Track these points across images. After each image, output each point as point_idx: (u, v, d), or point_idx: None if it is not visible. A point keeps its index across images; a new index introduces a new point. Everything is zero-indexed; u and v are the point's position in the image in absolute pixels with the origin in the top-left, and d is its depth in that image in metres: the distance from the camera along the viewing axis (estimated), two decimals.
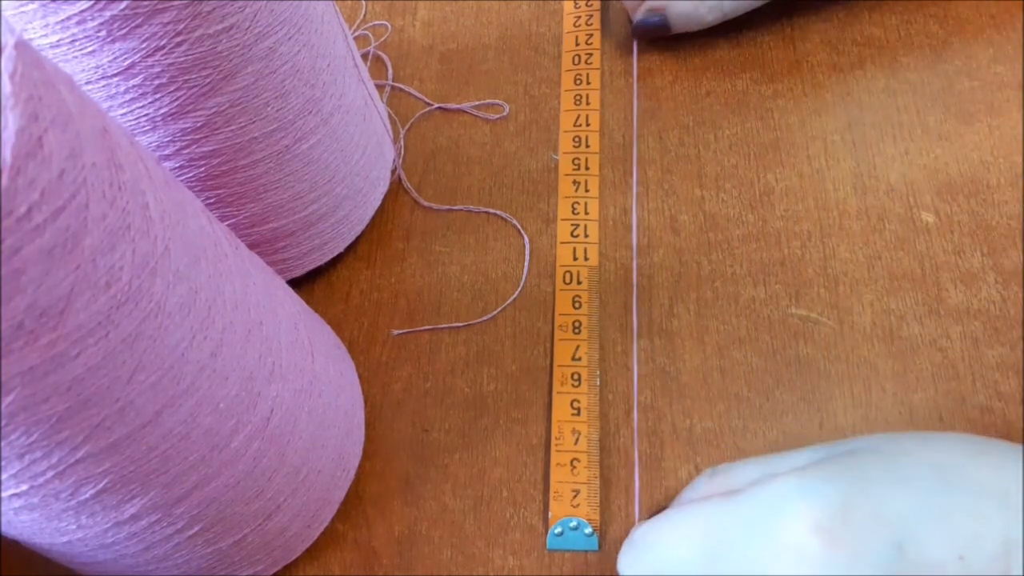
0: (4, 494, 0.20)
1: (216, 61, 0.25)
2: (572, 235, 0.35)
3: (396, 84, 0.41)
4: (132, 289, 0.18)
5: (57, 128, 0.16)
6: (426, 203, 0.37)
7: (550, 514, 0.29)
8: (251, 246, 0.32)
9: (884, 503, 0.22)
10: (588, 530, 0.29)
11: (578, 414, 0.31)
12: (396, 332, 0.34)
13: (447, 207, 0.37)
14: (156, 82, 0.25)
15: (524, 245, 0.36)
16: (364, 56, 0.42)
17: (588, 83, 0.39)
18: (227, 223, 0.31)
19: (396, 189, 0.38)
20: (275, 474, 0.25)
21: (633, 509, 0.29)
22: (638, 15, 0.39)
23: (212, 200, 0.30)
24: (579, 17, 0.42)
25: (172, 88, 0.25)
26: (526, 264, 0.35)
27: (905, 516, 0.21)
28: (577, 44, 0.41)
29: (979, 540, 0.21)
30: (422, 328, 0.34)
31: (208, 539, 0.25)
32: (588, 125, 0.38)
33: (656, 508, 0.29)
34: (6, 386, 0.17)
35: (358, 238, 0.36)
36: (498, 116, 0.39)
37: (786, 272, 0.33)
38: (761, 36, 0.39)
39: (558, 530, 0.29)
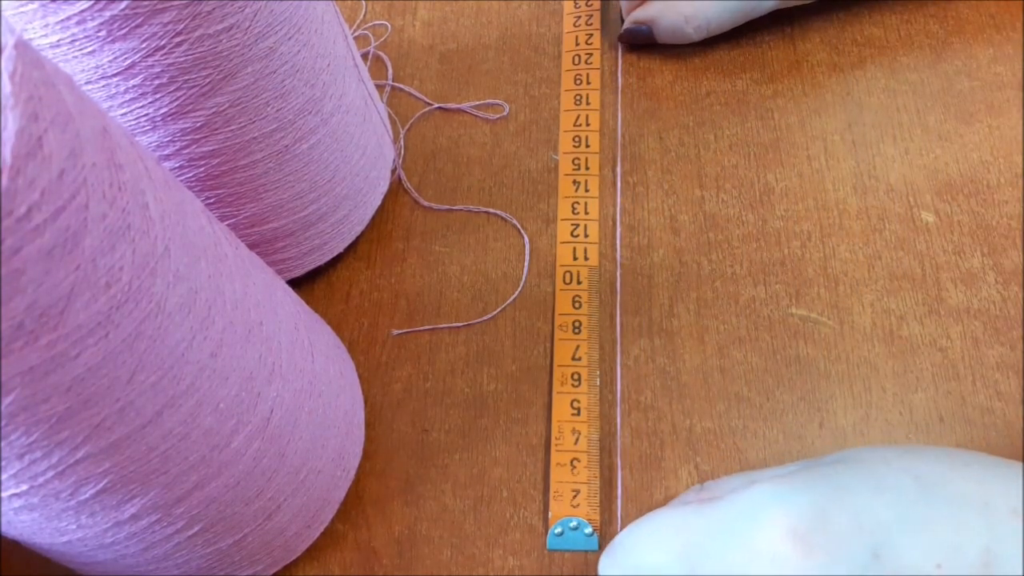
0: (4, 494, 0.20)
1: (216, 61, 0.25)
2: (572, 235, 0.35)
3: (396, 84, 0.41)
4: (132, 289, 0.18)
5: (57, 128, 0.16)
6: (426, 203, 0.37)
7: (550, 514, 0.29)
8: (251, 246, 0.32)
9: (862, 511, 0.21)
10: (588, 530, 0.29)
11: (578, 414, 0.31)
12: (396, 332, 0.34)
13: (447, 207, 0.37)
14: (156, 82, 0.25)
15: (524, 245, 0.36)
16: (364, 56, 0.42)
17: (588, 83, 0.39)
18: (227, 223, 0.31)
19: (396, 189, 0.38)
20: (275, 474, 0.25)
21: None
22: (626, 24, 0.39)
23: (212, 200, 0.30)
24: (579, 17, 0.42)
25: (172, 88, 0.25)
26: (526, 264, 0.35)
27: (883, 524, 0.21)
28: (577, 44, 0.41)
29: (958, 550, 0.21)
30: (422, 328, 0.34)
31: (208, 539, 0.25)
32: (588, 125, 0.38)
33: (655, 508, 0.29)
34: (6, 386, 0.17)
35: (358, 238, 0.36)
36: (498, 116, 0.39)
37: (786, 272, 0.33)
38: (761, 36, 0.39)
39: (558, 530, 0.29)
